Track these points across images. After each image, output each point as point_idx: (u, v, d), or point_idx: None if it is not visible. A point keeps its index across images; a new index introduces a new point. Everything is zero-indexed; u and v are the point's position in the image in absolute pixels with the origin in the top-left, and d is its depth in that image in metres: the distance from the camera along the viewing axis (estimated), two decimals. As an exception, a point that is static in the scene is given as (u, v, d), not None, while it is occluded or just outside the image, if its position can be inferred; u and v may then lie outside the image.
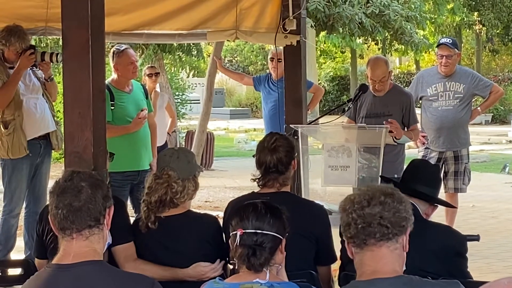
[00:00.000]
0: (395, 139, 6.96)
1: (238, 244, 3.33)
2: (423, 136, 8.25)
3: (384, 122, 6.90)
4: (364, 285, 2.91)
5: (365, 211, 2.97)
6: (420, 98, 8.45)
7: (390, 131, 6.86)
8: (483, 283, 4.33)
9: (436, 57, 8.60)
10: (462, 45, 36.82)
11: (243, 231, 3.33)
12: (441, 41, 8.59)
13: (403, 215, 3.00)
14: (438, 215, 5.33)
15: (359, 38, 19.42)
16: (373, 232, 2.95)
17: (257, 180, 4.56)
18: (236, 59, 40.00)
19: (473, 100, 8.70)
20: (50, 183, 3.51)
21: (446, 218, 8.03)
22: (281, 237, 3.39)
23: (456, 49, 8.28)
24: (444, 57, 8.27)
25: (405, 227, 3.01)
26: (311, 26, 15.83)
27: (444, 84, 8.27)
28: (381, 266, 2.95)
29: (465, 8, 28.69)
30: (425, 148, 8.33)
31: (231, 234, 3.40)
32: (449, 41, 8.47)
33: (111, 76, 7.34)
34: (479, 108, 8.84)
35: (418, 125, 7.87)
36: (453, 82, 8.28)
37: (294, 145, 4.71)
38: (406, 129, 7.37)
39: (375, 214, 2.96)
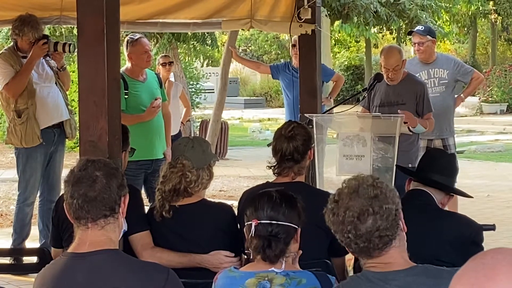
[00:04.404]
0: (410, 128, 6.94)
1: (253, 235, 3.32)
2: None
3: (398, 111, 6.88)
4: (379, 276, 2.88)
5: (361, 230, 2.84)
6: None
7: (405, 122, 6.84)
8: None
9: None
10: (478, 34, 36.70)
11: (258, 221, 3.33)
12: (413, 29, 8.69)
13: (394, 210, 2.88)
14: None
15: (374, 27, 19.36)
16: (376, 245, 2.86)
17: (272, 167, 4.55)
18: (250, 48, 39.94)
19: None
20: (65, 172, 3.51)
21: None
22: (296, 227, 3.39)
23: (428, 36, 8.38)
24: (416, 44, 8.42)
25: (399, 217, 2.91)
26: (326, 15, 15.79)
27: (428, 71, 8.35)
28: (392, 262, 2.92)
29: (481, -3, 28.57)
30: None
31: (246, 224, 3.40)
32: (421, 28, 8.65)
33: (125, 65, 7.34)
34: (462, 95, 8.87)
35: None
36: (436, 69, 8.37)
37: (311, 134, 4.70)
38: (420, 118, 7.34)
39: (371, 229, 2.84)
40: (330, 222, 2.92)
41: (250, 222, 3.35)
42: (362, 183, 2.89)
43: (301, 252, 3.46)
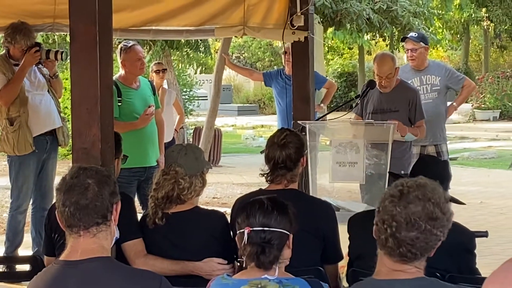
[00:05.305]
0: (400, 136, 6.94)
1: (246, 242, 3.32)
2: None
3: (388, 120, 6.89)
4: (382, 284, 2.88)
5: (400, 234, 2.84)
6: None
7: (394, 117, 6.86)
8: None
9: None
10: (470, 41, 36.78)
11: (251, 229, 3.32)
12: (407, 36, 8.70)
13: (438, 240, 2.88)
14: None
15: (367, 34, 19.41)
16: (401, 253, 2.87)
17: (265, 175, 4.56)
18: (243, 55, 39.97)
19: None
20: (57, 179, 3.50)
21: None
22: (288, 233, 3.39)
23: (422, 43, 8.37)
24: (409, 50, 8.41)
25: (437, 245, 2.90)
26: (319, 22, 15.83)
27: (420, 78, 8.35)
28: (403, 270, 2.91)
29: (473, 4, 28.65)
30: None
31: (238, 232, 3.39)
32: (415, 35, 8.64)
33: (119, 72, 7.34)
34: (454, 103, 8.84)
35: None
36: (428, 76, 8.38)
37: (304, 142, 4.70)
38: (412, 125, 7.34)
39: (408, 240, 2.84)
40: (382, 204, 2.91)
41: (242, 230, 3.34)
42: (433, 197, 2.87)
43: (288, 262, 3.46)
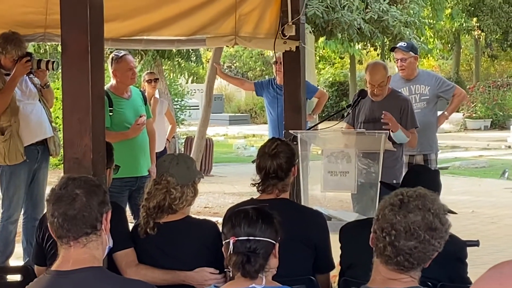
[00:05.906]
0: (391, 133, 6.90)
1: (231, 252, 3.32)
2: None
3: (382, 116, 6.90)
4: None
5: (399, 242, 2.84)
6: None
7: (386, 123, 6.85)
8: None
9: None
10: (461, 50, 36.89)
11: (236, 238, 3.33)
12: (396, 45, 8.70)
13: (435, 250, 2.90)
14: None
15: (358, 43, 19.44)
16: (398, 262, 2.87)
17: (256, 185, 4.56)
18: (235, 65, 40.00)
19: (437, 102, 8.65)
20: (48, 189, 3.50)
21: None
22: (274, 242, 3.39)
23: (411, 52, 8.38)
24: (399, 60, 8.41)
25: (433, 256, 2.92)
26: (310, 31, 15.84)
27: (410, 87, 8.35)
28: (397, 279, 2.91)
29: (464, 14, 28.77)
30: None
31: (224, 242, 3.39)
32: (404, 44, 8.64)
33: (110, 82, 7.34)
34: (446, 112, 8.82)
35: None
36: (417, 85, 8.38)
37: (295, 151, 4.71)
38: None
39: (407, 249, 2.84)
40: (382, 212, 2.90)
41: (228, 240, 3.35)
42: (433, 208, 2.88)
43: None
